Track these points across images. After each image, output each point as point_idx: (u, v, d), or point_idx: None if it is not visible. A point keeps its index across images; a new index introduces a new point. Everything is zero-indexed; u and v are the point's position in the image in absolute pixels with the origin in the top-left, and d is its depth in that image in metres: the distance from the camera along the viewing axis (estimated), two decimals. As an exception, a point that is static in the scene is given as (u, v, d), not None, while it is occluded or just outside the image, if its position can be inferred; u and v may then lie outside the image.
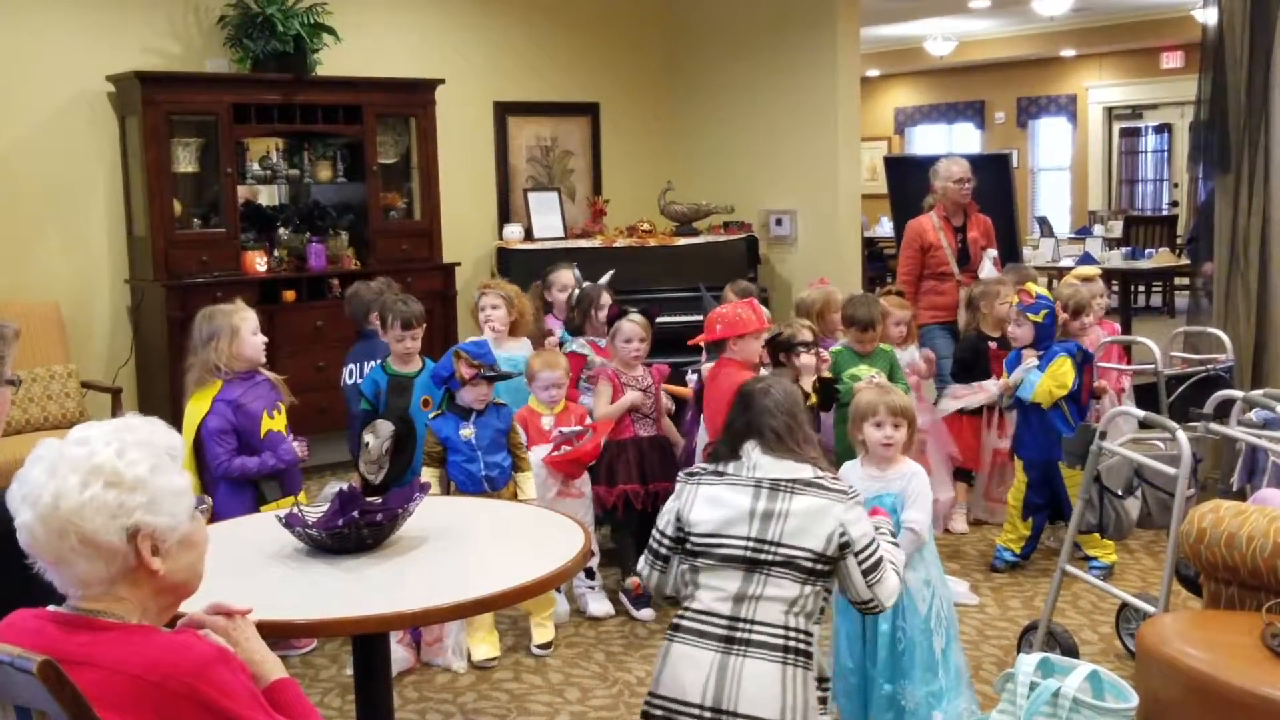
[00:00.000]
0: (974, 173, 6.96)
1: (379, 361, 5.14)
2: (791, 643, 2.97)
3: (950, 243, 6.85)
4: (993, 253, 6.92)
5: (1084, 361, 5.41)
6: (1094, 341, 5.88)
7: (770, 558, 2.97)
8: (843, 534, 2.98)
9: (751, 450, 3.09)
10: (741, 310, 4.88)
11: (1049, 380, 5.25)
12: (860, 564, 3.01)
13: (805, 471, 3.05)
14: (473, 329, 5.96)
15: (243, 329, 4.49)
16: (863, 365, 5.47)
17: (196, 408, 4.47)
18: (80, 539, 1.93)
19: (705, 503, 3.07)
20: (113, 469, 1.96)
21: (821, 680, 3.09)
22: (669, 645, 3.06)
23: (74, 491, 1.93)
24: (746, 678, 2.93)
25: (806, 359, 4.97)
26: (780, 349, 5.02)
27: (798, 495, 3.01)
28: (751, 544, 2.99)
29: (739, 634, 2.97)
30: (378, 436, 4.85)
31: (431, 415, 4.70)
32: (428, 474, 4.58)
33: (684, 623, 3.05)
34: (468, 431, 4.59)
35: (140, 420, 2.08)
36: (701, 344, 5.11)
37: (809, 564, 2.97)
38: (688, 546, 3.09)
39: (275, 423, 4.57)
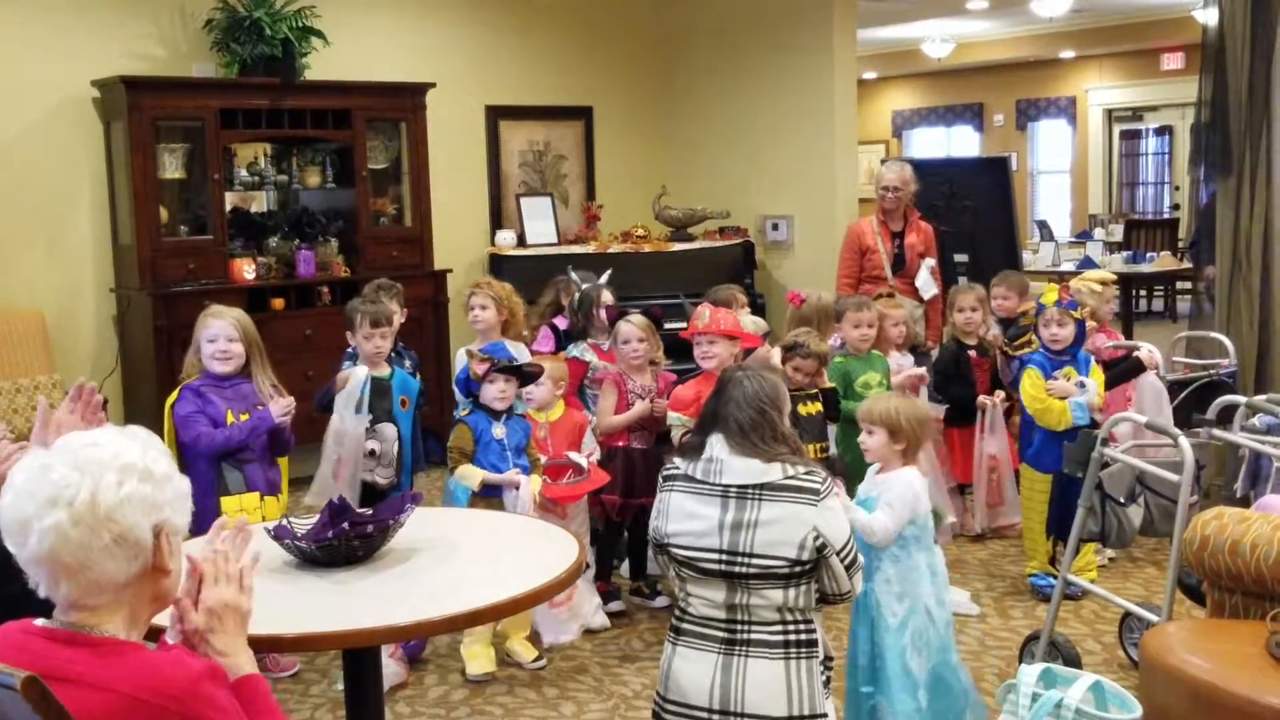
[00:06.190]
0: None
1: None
2: (792, 636, 2.95)
3: (886, 248, 6.84)
4: (930, 262, 6.88)
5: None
6: (1097, 347, 5.80)
7: (745, 570, 2.91)
8: (817, 537, 2.89)
9: (715, 444, 3.01)
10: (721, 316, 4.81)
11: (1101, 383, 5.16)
12: (843, 560, 2.95)
13: (774, 473, 2.95)
14: (465, 330, 5.82)
15: (199, 336, 4.52)
16: (870, 371, 5.41)
17: (170, 399, 4.52)
18: (114, 537, 1.92)
19: (678, 515, 3.02)
20: (144, 465, 1.98)
21: (825, 659, 3.06)
22: (672, 649, 3.05)
23: (112, 488, 1.93)
24: (751, 677, 2.92)
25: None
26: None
27: (765, 502, 2.92)
28: (724, 557, 2.93)
29: (739, 635, 2.96)
30: (385, 440, 4.84)
31: (463, 413, 4.74)
32: (466, 470, 4.56)
33: (684, 626, 3.04)
34: (500, 431, 4.64)
35: (135, 427, 2.09)
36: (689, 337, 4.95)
37: (786, 570, 2.91)
38: (671, 555, 3.05)
39: None
